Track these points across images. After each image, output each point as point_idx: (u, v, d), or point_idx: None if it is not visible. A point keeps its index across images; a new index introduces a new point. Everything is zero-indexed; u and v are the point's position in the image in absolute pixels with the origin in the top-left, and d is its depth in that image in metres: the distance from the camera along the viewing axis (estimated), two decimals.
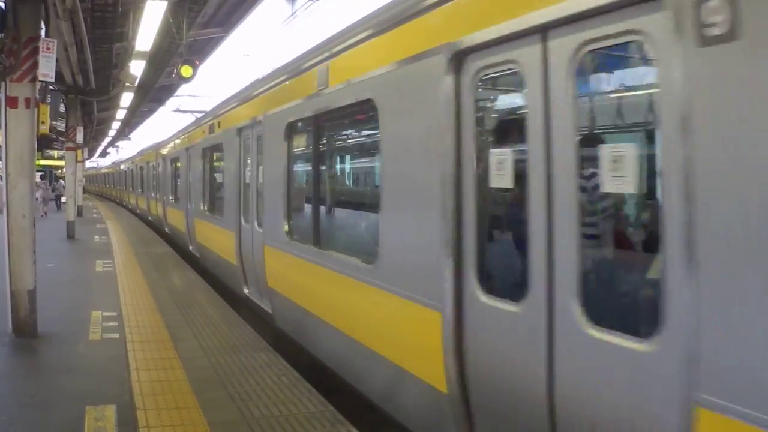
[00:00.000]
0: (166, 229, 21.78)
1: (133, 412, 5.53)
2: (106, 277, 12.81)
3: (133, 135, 59.30)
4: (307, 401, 5.87)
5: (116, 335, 8.20)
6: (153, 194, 25.92)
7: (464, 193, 4.27)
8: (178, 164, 19.04)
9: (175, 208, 19.13)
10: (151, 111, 42.61)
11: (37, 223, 8.67)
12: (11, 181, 8.24)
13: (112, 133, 51.69)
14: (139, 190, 32.46)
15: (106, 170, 71.81)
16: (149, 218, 27.47)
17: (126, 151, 62.73)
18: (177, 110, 36.93)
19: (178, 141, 19.51)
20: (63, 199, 33.60)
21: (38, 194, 33.42)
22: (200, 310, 9.76)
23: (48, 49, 8.97)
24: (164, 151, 22.68)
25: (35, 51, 8.46)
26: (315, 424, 5.34)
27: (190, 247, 16.33)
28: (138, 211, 33.36)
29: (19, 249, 8.25)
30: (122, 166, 47.62)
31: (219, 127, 12.59)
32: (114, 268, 13.98)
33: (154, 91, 28.39)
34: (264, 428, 5.23)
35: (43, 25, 9.89)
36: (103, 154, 79.37)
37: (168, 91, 31.93)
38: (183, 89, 33.70)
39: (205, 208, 14.23)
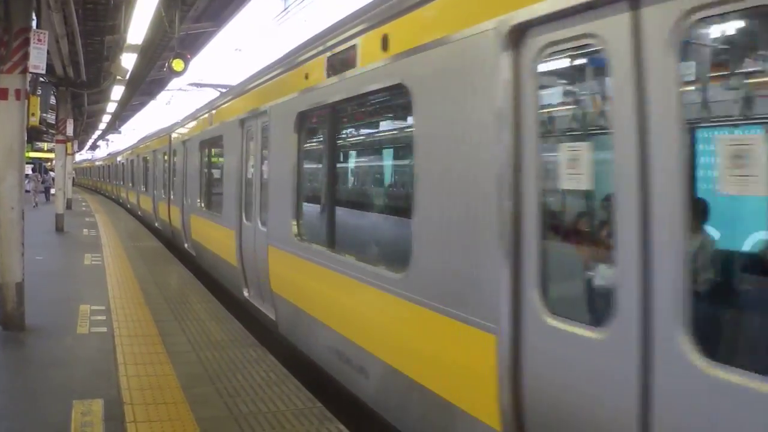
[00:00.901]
0: (187, 246, 15.52)
1: (121, 407, 5.51)
2: (94, 271, 12.75)
3: (123, 128, 59.02)
4: (295, 398, 5.87)
5: (104, 329, 8.17)
6: (163, 194, 19.72)
7: None
8: (216, 151, 13.31)
9: (212, 221, 12.29)
10: (142, 104, 42.36)
11: (26, 215, 8.63)
12: (0, 173, 8.19)
13: (102, 126, 51.43)
14: (142, 187, 26.17)
15: (101, 162, 61.77)
16: (156, 225, 21.74)
17: (121, 143, 59.70)
18: (194, 84, 30.51)
19: (215, 112, 12.73)
20: (52, 191, 33.43)
21: (30, 186, 33.52)
22: (189, 305, 9.73)
23: (39, 40, 8.93)
24: (183, 132, 16.60)
25: (26, 42, 8.41)
26: (303, 420, 5.34)
27: (246, 293, 9.67)
28: (139, 213, 27.09)
29: (7, 241, 8.20)
30: (119, 158, 39.65)
31: (391, 48, 5.25)
32: (102, 262, 13.92)
33: (145, 84, 28.19)
34: (252, 424, 5.23)
35: (34, 17, 9.84)
36: (93, 147, 78.85)
37: (159, 84, 31.73)
38: (174, 83, 33.57)
39: (306, 237, 7.44)
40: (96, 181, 63.60)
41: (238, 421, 5.30)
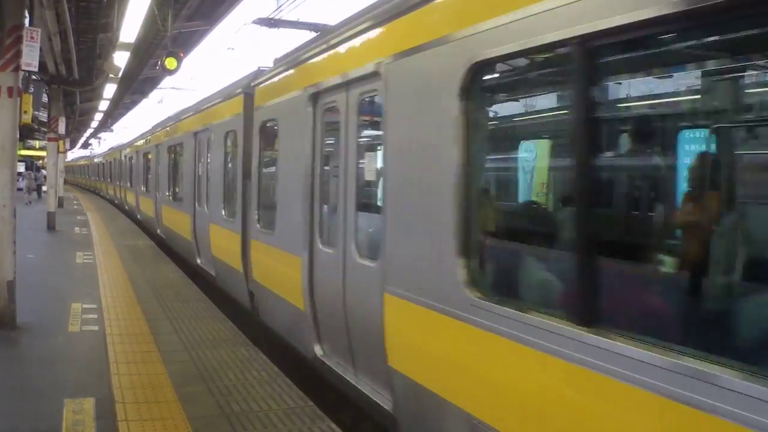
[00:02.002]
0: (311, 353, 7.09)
1: (112, 406, 5.51)
2: (86, 269, 12.72)
3: (115, 126, 58.91)
4: (287, 397, 5.88)
5: (96, 327, 8.16)
6: (224, 213, 11.06)
7: None
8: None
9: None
10: (135, 103, 42.29)
11: (18, 212, 8.61)
12: None
13: (94, 124, 51.30)
14: (165, 194, 17.47)
15: (100, 159, 49.58)
16: (198, 261, 13.07)
17: (129, 134, 55.30)
18: (265, 20, 20.86)
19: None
20: (44, 189, 33.39)
21: (24, 184, 33.73)
22: (181, 304, 9.73)
23: (32, 38, 8.92)
24: (321, 68, 7.13)
25: (19, 40, 8.40)
26: (294, 419, 5.35)
27: None
28: (160, 232, 18.24)
29: None
30: (123, 153, 30.45)
31: None
32: (94, 260, 13.89)
33: (138, 82, 28.15)
34: (243, 423, 5.24)
35: (27, 14, 9.81)
36: (85, 145, 78.61)
37: (151, 83, 31.70)
38: (166, 81, 33.56)
39: None
40: (95, 182, 52.00)
41: (229, 420, 5.30)
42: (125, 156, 29.37)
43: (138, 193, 23.51)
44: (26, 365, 6.83)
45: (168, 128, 18.00)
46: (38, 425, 5.17)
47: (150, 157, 20.92)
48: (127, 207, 28.04)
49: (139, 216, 23.21)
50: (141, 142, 24.18)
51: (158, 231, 18.50)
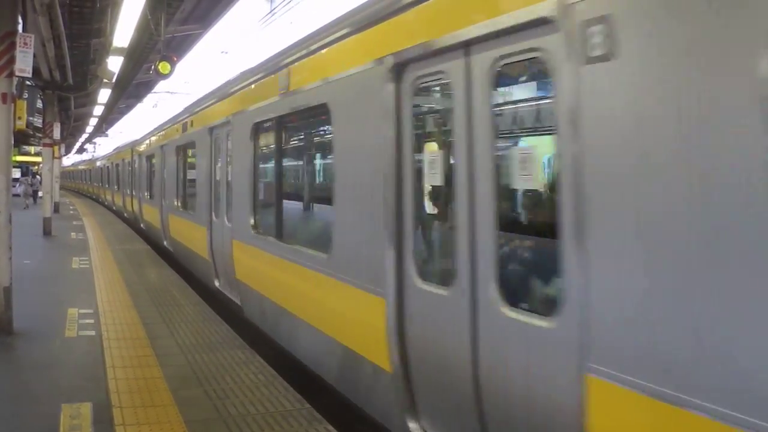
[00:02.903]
0: None
1: (110, 410, 5.52)
2: (82, 274, 12.72)
3: (110, 131, 58.83)
4: (284, 399, 5.90)
5: (92, 332, 8.17)
6: None
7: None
8: None
9: None
10: (129, 107, 42.28)
11: (15, 217, 8.61)
12: None
13: (89, 129, 51.24)
14: (238, 219, 9.29)
15: (103, 162, 40.65)
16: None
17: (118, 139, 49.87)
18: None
19: None
20: (40, 194, 33.39)
21: (21, 189, 34.02)
22: (177, 308, 9.74)
23: (25, 44, 8.95)
24: None
25: (12, 46, 8.41)
26: (291, 422, 5.37)
27: None
28: (217, 286, 10.68)
29: None
30: (136, 152, 22.88)
31: None
32: (90, 265, 13.88)
33: (132, 87, 28.13)
34: (240, 426, 5.25)
35: (20, 20, 9.82)
36: (80, 150, 78.44)
37: (146, 87, 31.73)
38: (161, 85, 33.58)
39: None
40: (98, 188, 45.31)
41: (227, 423, 5.32)
42: (140, 155, 21.83)
43: (165, 210, 16.25)
44: (23, 371, 6.83)
45: (247, 89, 9.17)
46: (36, 430, 5.18)
47: (191, 153, 13.62)
48: (143, 225, 21.07)
49: (166, 243, 16.47)
50: (167, 130, 16.63)
51: (217, 284, 10.78)
